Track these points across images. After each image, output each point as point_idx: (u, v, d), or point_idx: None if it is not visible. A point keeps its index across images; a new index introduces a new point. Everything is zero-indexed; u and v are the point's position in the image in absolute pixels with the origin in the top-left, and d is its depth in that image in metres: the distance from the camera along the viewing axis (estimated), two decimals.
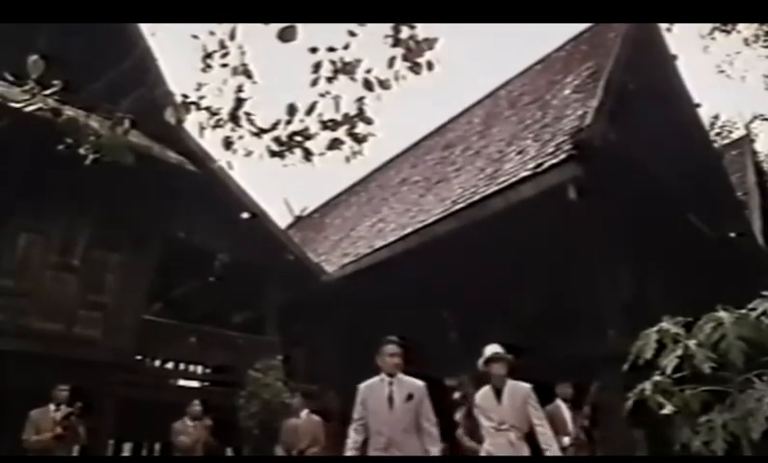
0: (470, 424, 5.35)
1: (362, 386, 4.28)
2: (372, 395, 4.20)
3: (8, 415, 6.12)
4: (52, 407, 6.31)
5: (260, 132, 4.36)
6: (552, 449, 4.45)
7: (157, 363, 10.90)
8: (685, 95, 10.05)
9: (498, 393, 4.74)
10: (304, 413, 6.74)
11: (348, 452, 4.15)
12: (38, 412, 6.25)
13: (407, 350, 4.29)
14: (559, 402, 6.27)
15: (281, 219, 14.98)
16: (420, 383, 4.23)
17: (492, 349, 4.89)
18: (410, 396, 4.13)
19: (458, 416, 5.92)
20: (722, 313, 3.05)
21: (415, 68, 4.14)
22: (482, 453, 4.73)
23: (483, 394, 4.86)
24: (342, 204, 17.15)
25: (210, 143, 9.28)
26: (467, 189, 9.05)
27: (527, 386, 4.73)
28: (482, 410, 4.80)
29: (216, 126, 4.34)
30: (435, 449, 4.04)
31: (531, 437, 4.66)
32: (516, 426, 4.57)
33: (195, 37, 4.22)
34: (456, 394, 6.20)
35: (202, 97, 4.29)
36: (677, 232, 8.36)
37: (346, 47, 4.09)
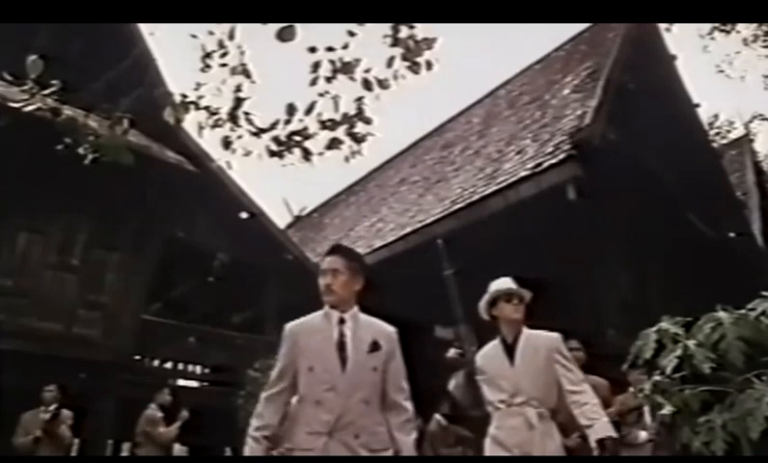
0: (471, 398, 3.48)
1: (290, 325, 2.63)
2: (311, 340, 2.52)
3: (6, 415, 6.11)
4: (42, 409, 6.10)
5: (258, 132, 4.37)
6: (599, 424, 2.95)
7: (157, 363, 10.90)
8: (684, 95, 10.05)
9: (509, 350, 3.24)
10: None
11: (247, 450, 2.47)
12: (29, 414, 6.10)
13: (358, 269, 2.67)
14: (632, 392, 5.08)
15: (280, 219, 14.98)
16: (389, 328, 2.63)
17: (501, 284, 3.39)
18: (375, 346, 2.51)
19: (452, 385, 3.72)
20: (721, 314, 3.04)
21: (414, 68, 4.15)
22: (487, 442, 3.18)
23: (488, 353, 3.34)
24: (342, 203, 17.15)
25: (209, 142, 9.28)
26: (466, 189, 9.05)
27: (553, 335, 3.25)
28: (487, 376, 3.27)
29: (215, 126, 4.34)
30: (409, 440, 2.52)
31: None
32: (537, 398, 3.10)
33: (194, 36, 4.23)
34: (451, 352, 3.74)
35: (201, 97, 4.30)
36: (677, 232, 8.36)
37: (345, 47, 4.10)
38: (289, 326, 2.62)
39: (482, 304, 3.40)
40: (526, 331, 3.27)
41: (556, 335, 3.26)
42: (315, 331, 2.56)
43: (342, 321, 2.57)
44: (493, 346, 3.35)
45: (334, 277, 2.59)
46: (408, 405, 2.58)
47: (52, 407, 6.08)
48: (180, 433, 6.70)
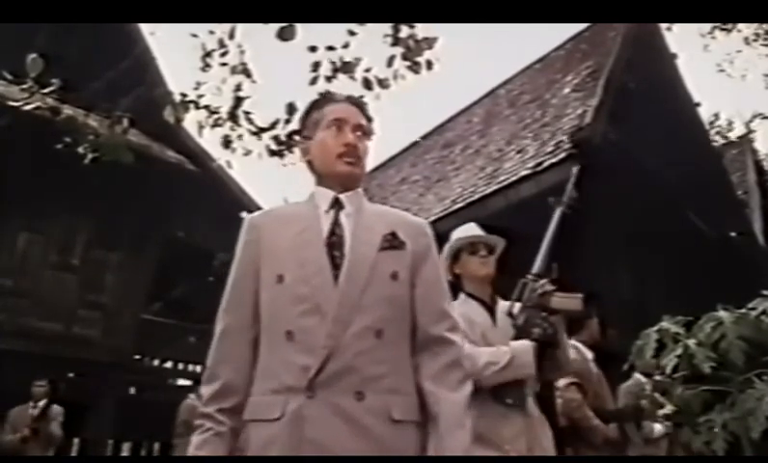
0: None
1: (252, 215, 1.60)
2: (281, 235, 1.45)
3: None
4: (30, 404, 5.76)
5: (259, 131, 4.38)
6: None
7: (157, 363, 10.90)
8: (685, 94, 10.04)
9: (488, 308, 2.40)
10: None
11: (193, 447, 1.37)
12: (16, 410, 5.75)
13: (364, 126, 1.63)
14: (639, 376, 4.38)
15: None
16: (417, 219, 1.66)
17: (464, 231, 2.55)
18: (393, 241, 1.44)
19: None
20: (722, 313, 3.04)
21: (414, 68, 4.15)
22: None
23: (470, 302, 2.40)
24: None
25: (209, 142, 9.28)
26: (467, 188, 9.04)
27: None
28: (477, 324, 2.29)
29: (215, 125, 4.35)
30: (457, 397, 1.36)
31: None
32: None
33: (194, 36, 4.24)
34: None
35: (201, 96, 4.32)
36: (677, 232, 8.35)
37: (346, 46, 4.11)
38: (251, 216, 1.58)
39: (445, 254, 2.46)
40: (500, 301, 2.43)
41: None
42: (290, 221, 1.49)
43: (337, 204, 1.51)
44: (462, 302, 2.38)
45: (358, 136, 1.56)
46: (456, 339, 1.46)
47: (41, 403, 5.75)
48: None
